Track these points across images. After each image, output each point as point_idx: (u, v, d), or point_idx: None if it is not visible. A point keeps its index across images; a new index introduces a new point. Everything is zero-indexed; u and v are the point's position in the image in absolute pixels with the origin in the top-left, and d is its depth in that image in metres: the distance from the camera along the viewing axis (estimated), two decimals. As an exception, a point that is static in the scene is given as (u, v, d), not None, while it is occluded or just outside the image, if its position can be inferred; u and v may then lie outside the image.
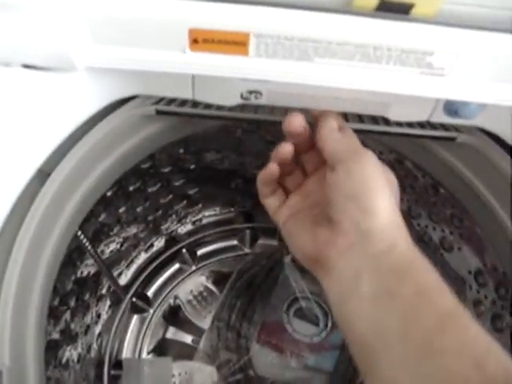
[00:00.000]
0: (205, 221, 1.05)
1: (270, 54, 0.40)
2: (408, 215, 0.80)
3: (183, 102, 0.51)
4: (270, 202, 0.51)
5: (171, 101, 0.51)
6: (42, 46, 0.39)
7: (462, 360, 0.34)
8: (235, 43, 0.39)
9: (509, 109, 0.44)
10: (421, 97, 0.43)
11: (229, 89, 0.47)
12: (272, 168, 0.48)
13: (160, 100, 0.51)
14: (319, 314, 0.98)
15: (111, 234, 0.82)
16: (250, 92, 0.47)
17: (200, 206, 0.98)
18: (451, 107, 0.48)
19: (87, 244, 0.72)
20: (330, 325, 0.97)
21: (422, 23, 0.39)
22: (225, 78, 0.42)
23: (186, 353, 0.99)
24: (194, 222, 1.04)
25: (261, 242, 1.10)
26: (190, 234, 1.07)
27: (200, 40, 0.39)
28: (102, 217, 0.75)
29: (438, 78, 0.41)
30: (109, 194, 0.71)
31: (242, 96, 0.48)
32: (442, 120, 0.50)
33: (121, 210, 0.79)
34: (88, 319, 0.86)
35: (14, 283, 0.45)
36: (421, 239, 0.81)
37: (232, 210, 1.04)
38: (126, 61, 0.41)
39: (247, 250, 1.09)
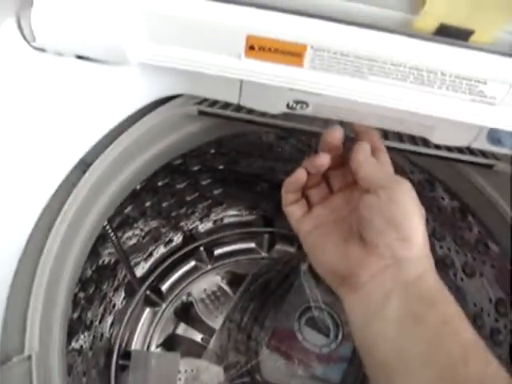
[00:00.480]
0: (226, 221, 1.06)
1: (324, 68, 0.40)
2: (432, 236, 0.79)
3: (226, 105, 0.52)
4: (293, 209, 0.51)
5: (214, 102, 0.52)
6: (97, 38, 0.40)
7: None
8: (291, 54, 0.39)
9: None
10: (467, 123, 0.43)
11: (276, 97, 0.48)
12: (300, 174, 0.49)
13: (202, 101, 0.52)
14: (330, 324, 0.98)
15: (135, 225, 0.83)
16: (297, 102, 0.47)
17: (224, 206, 0.99)
18: (495, 135, 0.48)
19: (111, 233, 0.73)
20: (340, 337, 0.97)
21: (478, 51, 0.39)
22: (274, 86, 0.42)
23: (194, 350, 1.00)
24: (214, 222, 1.05)
25: (278, 247, 1.10)
26: (209, 232, 1.07)
27: (256, 47, 0.39)
28: (129, 209, 0.75)
29: (488, 106, 0.41)
30: (138, 187, 0.72)
31: (288, 105, 0.48)
32: (484, 147, 0.50)
33: (147, 204, 0.80)
34: (104, 308, 0.86)
35: (47, 269, 0.46)
36: (442, 261, 0.81)
37: (254, 212, 1.04)
38: (180, 61, 0.41)
39: (264, 254, 1.10)
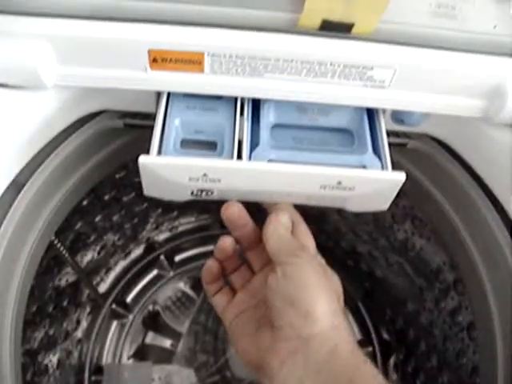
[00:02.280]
0: (181, 228, 1.08)
1: (223, 71, 0.43)
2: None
3: (149, 115, 0.54)
4: (217, 300, 0.49)
5: (137, 114, 0.55)
6: (11, 65, 0.42)
7: None
8: (191, 62, 0.43)
9: (450, 117, 0.48)
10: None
11: (179, 189, 0.46)
12: (210, 264, 0.49)
13: (127, 113, 0.55)
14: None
15: (88, 242, 0.85)
16: (201, 190, 0.46)
17: (176, 213, 1.01)
18: (397, 116, 0.52)
19: (65, 253, 0.75)
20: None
21: (360, 41, 0.43)
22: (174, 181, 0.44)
23: (165, 357, 1.02)
24: (170, 229, 1.07)
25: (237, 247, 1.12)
26: (167, 240, 1.10)
27: (159, 59, 0.42)
28: (79, 225, 0.77)
29: (380, 90, 0.45)
30: (84, 203, 0.74)
31: (192, 193, 0.47)
32: (390, 128, 0.54)
33: (97, 219, 0.82)
34: (67, 326, 0.88)
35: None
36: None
37: (208, 216, 1.07)
38: (91, 79, 0.44)
39: (224, 255, 1.12)
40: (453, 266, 0.70)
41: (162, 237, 1.08)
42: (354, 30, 0.43)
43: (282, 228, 0.45)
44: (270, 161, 0.44)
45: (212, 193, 0.46)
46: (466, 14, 0.44)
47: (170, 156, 0.44)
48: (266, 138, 0.46)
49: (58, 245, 0.72)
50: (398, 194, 0.52)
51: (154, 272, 1.09)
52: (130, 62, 0.43)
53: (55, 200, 0.57)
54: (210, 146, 0.46)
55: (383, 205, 0.48)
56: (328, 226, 0.99)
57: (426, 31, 0.44)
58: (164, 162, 0.43)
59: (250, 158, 0.44)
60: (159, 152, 0.44)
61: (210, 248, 1.12)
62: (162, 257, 1.09)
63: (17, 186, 0.50)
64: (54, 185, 0.55)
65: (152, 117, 0.54)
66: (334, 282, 0.44)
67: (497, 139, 0.50)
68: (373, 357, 1.01)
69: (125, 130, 0.57)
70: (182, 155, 0.45)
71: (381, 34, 0.43)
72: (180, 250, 1.11)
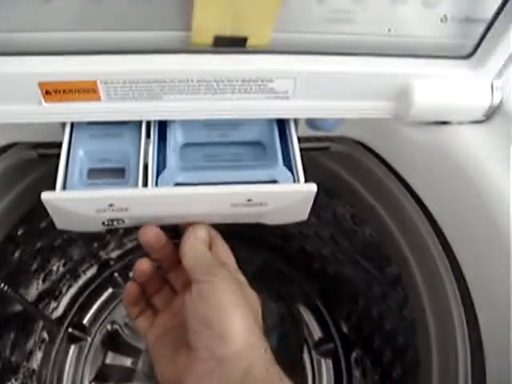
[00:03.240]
0: (130, 245, 1.07)
1: (120, 97, 0.42)
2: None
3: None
4: (140, 322, 0.49)
5: (50, 144, 0.53)
6: None
7: None
8: (86, 91, 0.41)
9: (364, 119, 0.48)
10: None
11: (89, 221, 0.45)
12: (129, 288, 0.49)
13: (39, 144, 0.53)
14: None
15: (31, 271, 0.82)
16: (112, 220, 0.45)
17: (121, 231, 1.00)
18: (312, 122, 0.52)
19: (6, 289, 0.72)
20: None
21: (257, 54, 0.42)
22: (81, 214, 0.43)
23: (126, 376, 1.00)
24: (119, 247, 1.05)
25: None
26: (119, 257, 1.08)
27: (52, 91, 0.41)
28: (16, 255, 0.75)
29: (284, 100, 0.45)
30: (19, 233, 0.72)
31: (104, 223, 0.45)
32: (309, 134, 0.54)
33: (36, 247, 0.80)
34: (18, 358, 0.86)
35: None
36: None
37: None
38: (-15, 117, 0.42)
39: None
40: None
41: (113, 254, 1.06)
42: (249, 43, 0.42)
43: (198, 243, 0.45)
44: (177, 184, 0.43)
45: (123, 221, 0.45)
46: (361, 18, 0.44)
47: (73, 190, 0.43)
48: (173, 160, 0.45)
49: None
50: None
51: (109, 290, 1.07)
52: (22, 96, 0.41)
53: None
54: (117, 173, 0.45)
55: (301, 215, 0.48)
56: (278, 228, 0.99)
57: (323, 37, 0.44)
58: (67, 197, 0.42)
59: (156, 183, 0.43)
60: (64, 186, 0.43)
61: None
62: (116, 274, 1.07)
63: None
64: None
65: (65, 145, 0.53)
66: (252, 298, 0.44)
67: (410, 137, 0.50)
68: (335, 353, 1.01)
69: (41, 161, 0.55)
70: (88, 186, 0.44)
71: (278, 44, 0.43)
72: (133, 265, 1.09)
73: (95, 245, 0.98)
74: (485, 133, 0.46)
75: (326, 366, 1.01)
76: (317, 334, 1.04)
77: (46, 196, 0.41)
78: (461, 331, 0.49)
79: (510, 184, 0.42)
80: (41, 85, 0.41)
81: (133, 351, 1.03)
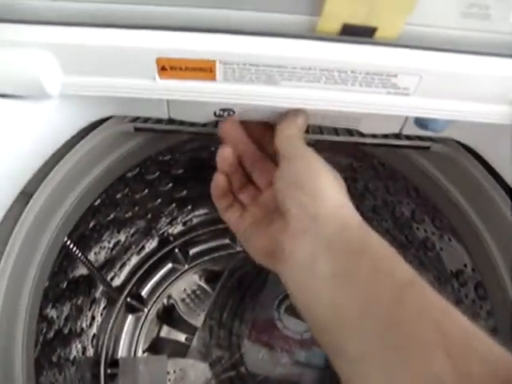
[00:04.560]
0: (195, 221, 1.07)
1: (237, 79, 0.41)
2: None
3: (159, 119, 0.52)
4: (229, 215, 0.50)
5: (148, 118, 0.53)
6: (15, 76, 0.40)
7: (421, 326, 0.34)
8: (202, 69, 0.40)
9: (476, 123, 0.45)
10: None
11: (203, 108, 0.48)
12: (217, 178, 0.49)
13: (137, 117, 0.53)
14: (310, 310, 1.00)
15: (101, 239, 0.83)
16: (223, 110, 0.48)
17: (189, 207, 1.00)
18: (421, 121, 0.49)
19: (77, 252, 0.74)
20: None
21: (384, 46, 0.40)
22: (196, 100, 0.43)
23: (179, 351, 1.02)
24: (184, 223, 1.06)
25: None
26: (182, 234, 1.08)
27: (168, 68, 0.40)
28: (91, 224, 0.76)
29: (404, 97, 0.42)
30: (96, 203, 0.73)
31: (215, 114, 0.49)
32: (414, 132, 0.51)
33: (109, 218, 0.80)
34: (82, 322, 0.88)
35: (2, 295, 0.47)
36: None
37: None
38: (96, 88, 0.42)
39: (239, 249, 1.11)
40: (474, 269, 0.67)
41: (176, 230, 1.07)
42: (377, 34, 0.40)
43: (295, 127, 0.46)
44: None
45: (233, 112, 0.48)
46: (500, 14, 0.41)
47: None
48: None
49: (71, 245, 0.71)
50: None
51: (169, 265, 1.08)
52: (137, 70, 0.40)
53: (65, 206, 0.56)
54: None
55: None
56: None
57: (455, 34, 0.41)
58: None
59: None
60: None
61: (224, 241, 1.11)
62: (176, 250, 1.08)
63: (25, 196, 0.49)
64: (63, 191, 0.54)
65: (163, 121, 0.52)
66: (337, 175, 0.45)
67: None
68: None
69: (134, 134, 0.55)
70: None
71: (405, 37, 0.40)
72: (194, 243, 1.10)
73: (162, 220, 0.99)
74: None
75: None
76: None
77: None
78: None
79: None
80: (158, 60, 0.39)
81: (187, 327, 1.04)
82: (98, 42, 0.38)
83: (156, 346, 1.04)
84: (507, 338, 0.56)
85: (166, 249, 1.07)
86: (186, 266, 1.09)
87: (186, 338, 1.03)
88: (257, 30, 0.39)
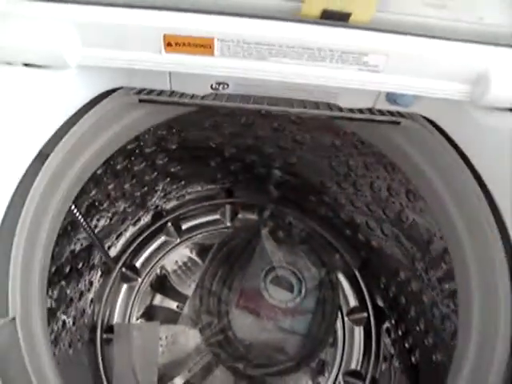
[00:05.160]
0: (188, 197, 1.13)
1: (232, 55, 0.47)
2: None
3: (162, 92, 0.59)
4: None
5: (151, 90, 0.59)
6: (39, 47, 0.47)
7: None
8: (202, 46, 0.47)
9: (440, 99, 0.52)
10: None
11: (201, 81, 0.55)
12: None
13: (141, 90, 0.59)
14: (294, 281, 1.07)
15: (101, 208, 0.90)
16: (219, 83, 0.55)
17: (183, 182, 1.06)
18: (391, 97, 0.57)
19: (80, 218, 0.80)
20: (303, 291, 1.06)
21: (357, 29, 0.47)
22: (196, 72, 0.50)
23: (171, 318, 1.08)
24: (178, 198, 1.12)
25: (240, 216, 1.18)
26: (174, 208, 1.15)
27: (173, 43, 0.47)
28: (93, 193, 0.83)
29: (374, 73, 0.49)
30: (99, 172, 0.79)
31: (211, 87, 0.56)
32: (385, 107, 0.59)
33: (110, 187, 0.87)
34: (81, 286, 0.94)
35: (21, 248, 0.53)
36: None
37: (214, 185, 1.12)
38: (111, 60, 0.48)
39: (228, 224, 1.18)
40: (442, 236, 0.75)
41: (169, 205, 1.13)
42: (352, 19, 0.47)
43: None
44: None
45: (228, 86, 0.55)
46: (456, 5, 0.48)
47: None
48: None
49: (75, 210, 0.77)
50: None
51: (162, 238, 1.15)
52: (147, 45, 0.47)
53: (74, 169, 0.62)
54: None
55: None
56: (328, 197, 1.04)
57: (418, 20, 0.48)
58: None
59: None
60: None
61: (215, 217, 1.18)
62: (169, 224, 1.14)
63: (42, 156, 0.55)
64: (74, 155, 0.60)
65: (166, 93, 0.59)
66: None
67: (482, 121, 0.54)
68: (367, 322, 1.07)
69: (139, 105, 0.61)
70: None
71: (375, 22, 0.47)
72: (186, 218, 1.16)
73: (157, 194, 1.05)
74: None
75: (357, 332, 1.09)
76: (352, 302, 1.10)
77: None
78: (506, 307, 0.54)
79: None
80: (165, 36, 0.46)
81: (179, 296, 1.11)
82: (114, 19, 0.45)
83: (149, 314, 1.10)
84: (468, 298, 0.63)
85: (160, 222, 1.14)
86: (178, 240, 1.15)
87: (178, 306, 1.10)
88: (250, 13, 0.46)
